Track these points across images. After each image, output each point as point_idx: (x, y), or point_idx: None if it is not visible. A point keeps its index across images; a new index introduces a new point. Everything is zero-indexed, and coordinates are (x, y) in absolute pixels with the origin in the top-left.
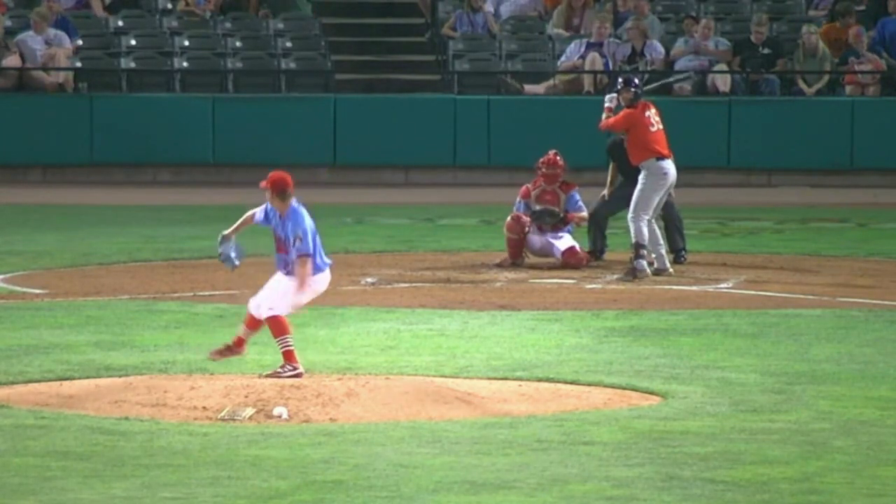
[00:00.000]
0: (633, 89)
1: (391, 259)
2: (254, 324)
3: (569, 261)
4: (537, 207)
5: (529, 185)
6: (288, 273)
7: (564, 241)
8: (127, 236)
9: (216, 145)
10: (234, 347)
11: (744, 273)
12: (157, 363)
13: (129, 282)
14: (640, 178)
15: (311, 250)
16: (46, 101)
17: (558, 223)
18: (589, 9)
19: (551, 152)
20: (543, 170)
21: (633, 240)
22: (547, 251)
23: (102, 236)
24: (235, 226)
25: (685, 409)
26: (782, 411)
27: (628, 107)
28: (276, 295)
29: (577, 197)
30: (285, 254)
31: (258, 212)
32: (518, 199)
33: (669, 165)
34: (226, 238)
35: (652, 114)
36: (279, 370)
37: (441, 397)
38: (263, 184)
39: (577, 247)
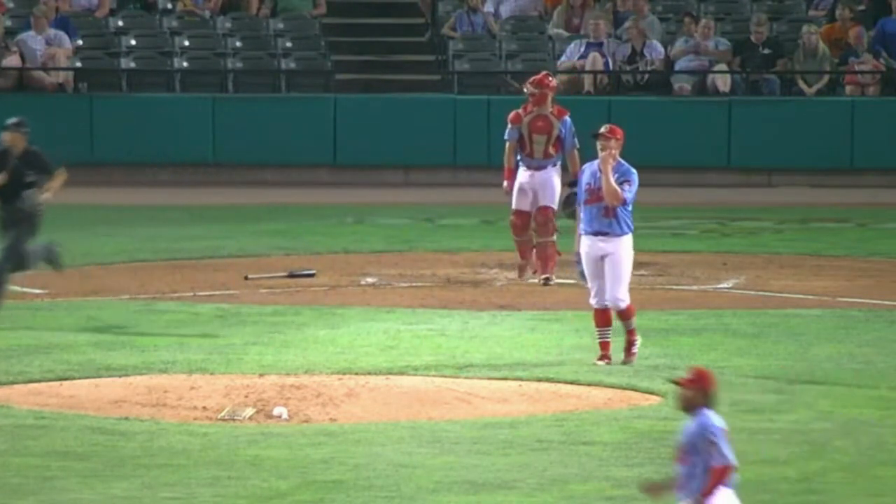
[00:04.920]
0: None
1: (391, 259)
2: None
3: (537, 218)
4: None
5: (520, 111)
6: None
7: (546, 195)
8: (127, 236)
9: (216, 145)
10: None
11: (744, 273)
12: (157, 363)
13: (129, 282)
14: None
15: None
16: (46, 101)
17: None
18: (589, 9)
19: (542, 73)
20: (532, 90)
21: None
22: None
23: (102, 236)
24: None
25: None
26: (782, 411)
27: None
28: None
29: (570, 122)
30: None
31: None
32: (508, 125)
33: None
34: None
35: None
36: (633, 354)
37: (441, 397)
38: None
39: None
